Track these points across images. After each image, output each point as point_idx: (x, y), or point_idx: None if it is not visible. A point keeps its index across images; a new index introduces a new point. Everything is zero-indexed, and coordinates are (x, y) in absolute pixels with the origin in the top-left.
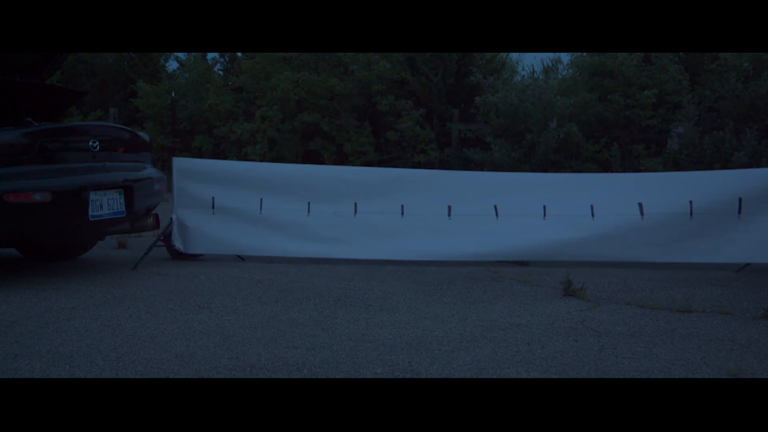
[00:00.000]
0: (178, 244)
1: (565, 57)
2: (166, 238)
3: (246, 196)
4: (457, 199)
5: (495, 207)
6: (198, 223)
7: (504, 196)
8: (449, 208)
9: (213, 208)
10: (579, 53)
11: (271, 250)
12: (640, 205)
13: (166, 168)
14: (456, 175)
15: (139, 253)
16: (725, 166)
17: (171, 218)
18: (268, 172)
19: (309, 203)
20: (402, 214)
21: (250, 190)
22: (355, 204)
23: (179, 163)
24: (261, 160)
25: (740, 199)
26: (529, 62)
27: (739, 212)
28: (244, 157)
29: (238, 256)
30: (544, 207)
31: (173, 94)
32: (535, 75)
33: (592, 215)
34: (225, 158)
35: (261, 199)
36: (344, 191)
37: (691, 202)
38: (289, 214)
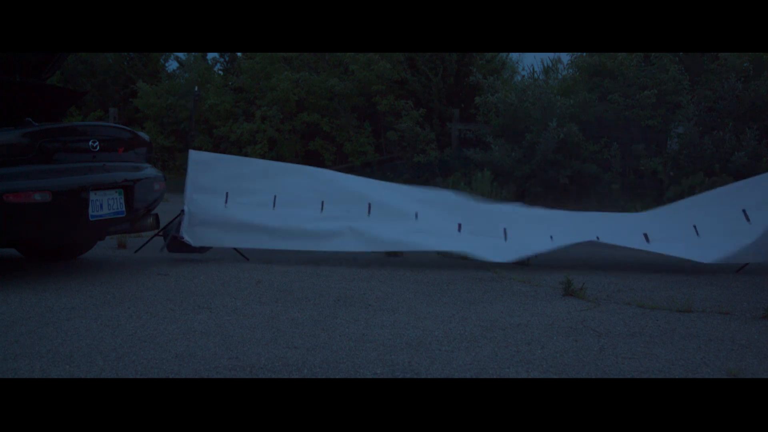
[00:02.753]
0: (187, 237)
1: (565, 57)
2: (167, 231)
3: (260, 193)
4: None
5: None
6: (210, 216)
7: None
8: (459, 226)
9: (226, 202)
10: (579, 53)
11: (281, 244)
12: (645, 235)
13: (167, 168)
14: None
15: (140, 253)
16: (725, 167)
17: (182, 210)
18: (283, 172)
19: (323, 202)
20: (416, 218)
21: (264, 187)
22: (369, 204)
23: (195, 155)
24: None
25: (744, 211)
26: (529, 62)
27: (748, 220)
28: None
29: (242, 255)
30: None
31: (196, 89)
32: (535, 75)
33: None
34: None
35: (275, 197)
36: (357, 198)
37: (695, 226)
38: (303, 210)
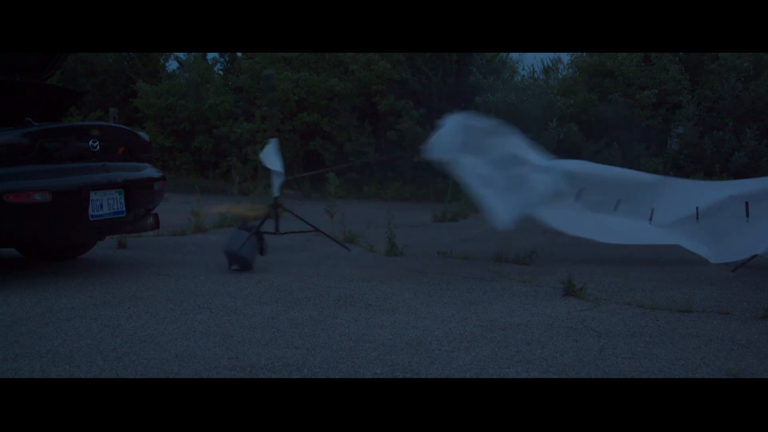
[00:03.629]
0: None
1: (565, 57)
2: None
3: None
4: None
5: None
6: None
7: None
8: (696, 209)
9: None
10: (579, 53)
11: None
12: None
13: (167, 168)
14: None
15: (140, 253)
16: (725, 167)
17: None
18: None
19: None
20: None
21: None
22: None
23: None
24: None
25: (746, 203)
26: (529, 62)
27: (747, 215)
28: (244, 157)
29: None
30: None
31: (266, 71)
32: (535, 75)
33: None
34: (225, 158)
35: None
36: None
37: (697, 208)
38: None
